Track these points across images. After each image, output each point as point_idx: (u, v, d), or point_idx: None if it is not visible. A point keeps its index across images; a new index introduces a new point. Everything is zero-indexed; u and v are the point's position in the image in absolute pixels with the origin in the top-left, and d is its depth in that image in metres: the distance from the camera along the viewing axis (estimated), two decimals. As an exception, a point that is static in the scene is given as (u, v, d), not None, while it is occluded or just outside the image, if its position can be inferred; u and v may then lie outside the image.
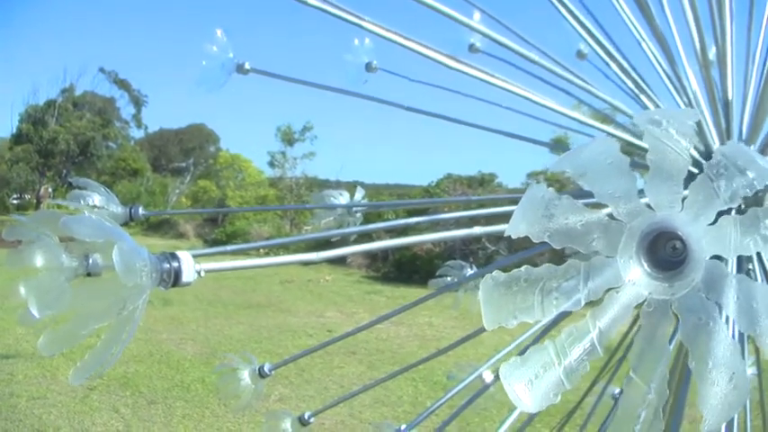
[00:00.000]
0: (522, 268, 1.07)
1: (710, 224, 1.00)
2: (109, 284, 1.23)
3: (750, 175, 0.98)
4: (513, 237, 1.04)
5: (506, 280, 1.05)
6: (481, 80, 3.16)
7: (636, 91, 3.29)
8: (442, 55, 3.34)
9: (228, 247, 2.29)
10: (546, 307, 1.04)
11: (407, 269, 24.15)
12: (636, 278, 1.02)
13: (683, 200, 1.03)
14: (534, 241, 1.05)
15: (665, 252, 1.04)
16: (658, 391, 1.05)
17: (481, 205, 3.08)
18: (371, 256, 27.13)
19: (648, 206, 1.03)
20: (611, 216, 1.05)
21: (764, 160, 1.00)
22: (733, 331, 1.11)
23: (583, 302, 1.05)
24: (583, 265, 1.05)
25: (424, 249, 23.97)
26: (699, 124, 3.07)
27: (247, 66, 2.98)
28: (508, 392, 1.02)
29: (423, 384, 10.50)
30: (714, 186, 0.99)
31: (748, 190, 0.99)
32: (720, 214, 1.03)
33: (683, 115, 1.03)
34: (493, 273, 1.06)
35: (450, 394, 3.09)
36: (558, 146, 4.04)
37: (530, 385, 1.02)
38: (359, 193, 3.76)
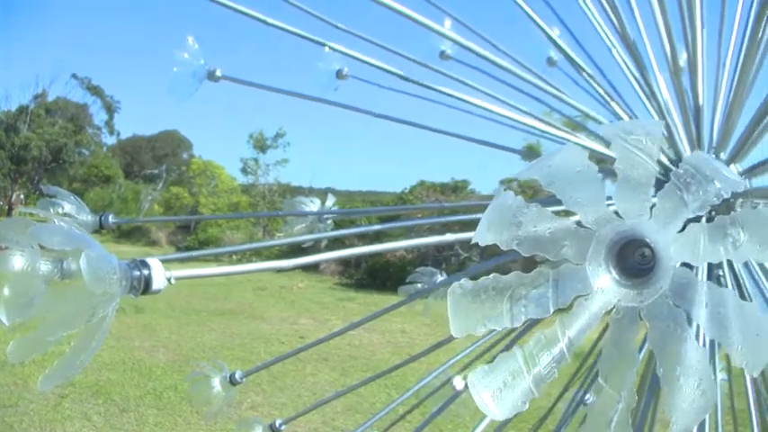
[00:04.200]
0: (490, 276, 1.07)
1: (679, 232, 1.01)
2: (77, 292, 1.22)
3: (717, 184, 0.99)
4: (481, 244, 1.04)
5: (474, 288, 1.05)
6: (444, 93, 3.18)
7: (606, 98, 3.31)
8: (415, 63, 3.36)
9: (196, 253, 2.28)
10: (515, 314, 1.04)
11: (380, 276, 24.18)
12: (604, 285, 1.02)
13: (652, 208, 1.04)
14: (503, 249, 1.05)
15: (634, 259, 1.04)
16: (627, 397, 1.06)
17: (454, 212, 3.09)
18: (344, 263, 27.14)
19: (617, 214, 1.03)
20: (579, 224, 1.05)
21: (729, 170, 1.01)
22: (702, 338, 1.12)
23: (551, 310, 1.05)
24: (551, 273, 1.05)
25: (397, 256, 23.99)
26: (669, 131, 3.09)
27: (219, 73, 2.97)
28: (476, 400, 1.02)
29: (395, 391, 10.41)
30: (682, 195, 1.00)
31: (715, 198, 1.00)
32: (691, 222, 1.04)
33: (650, 125, 1.03)
34: (461, 281, 1.06)
35: (399, 400, 3.11)
36: (531, 153, 4.07)
37: (498, 393, 1.02)
38: (330, 200, 3.77)
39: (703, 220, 1.13)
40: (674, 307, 1.00)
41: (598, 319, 1.05)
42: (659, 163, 2.80)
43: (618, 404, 1.06)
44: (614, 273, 1.03)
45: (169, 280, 1.41)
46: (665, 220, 1.01)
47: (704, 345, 2.35)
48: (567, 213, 1.11)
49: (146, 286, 1.37)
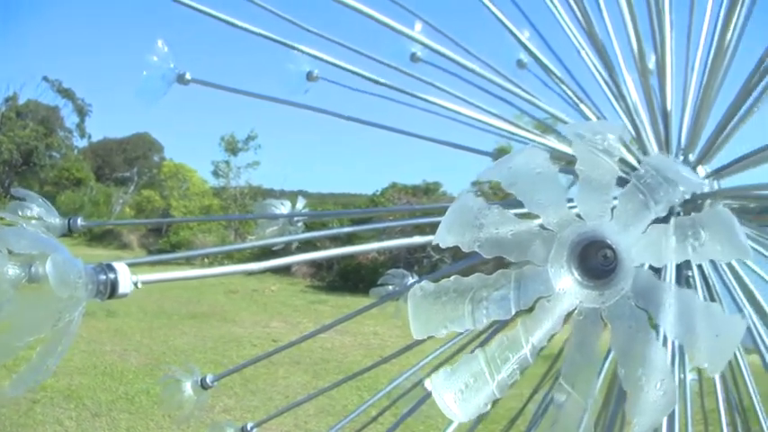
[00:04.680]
0: (452, 278, 1.07)
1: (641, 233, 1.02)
2: (43, 297, 1.21)
3: (677, 185, 1.00)
4: (442, 246, 1.04)
5: (435, 290, 1.05)
6: (413, 95, 3.18)
7: (575, 100, 3.32)
8: (386, 66, 3.36)
9: (166, 256, 2.27)
10: (476, 316, 1.04)
11: (352, 278, 24.13)
12: (566, 287, 1.03)
13: (614, 209, 1.04)
14: (464, 251, 1.05)
15: (597, 261, 1.05)
16: (591, 399, 1.06)
17: (425, 214, 3.09)
18: (316, 266, 27.11)
19: (579, 216, 1.04)
20: (542, 226, 1.05)
21: (689, 171, 1.02)
22: (665, 338, 1.12)
23: (513, 311, 1.06)
24: (513, 275, 1.06)
25: (369, 258, 23.97)
26: (638, 133, 3.10)
27: (188, 76, 2.96)
28: (438, 402, 1.02)
29: (368, 393, 10.31)
30: (643, 196, 1.01)
31: (676, 199, 1.01)
32: (655, 223, 1.05)
33: (611, 126, 1.04)
34: (422, 283, 1.06)
35: (370, 401, 3.11)
36: (501, 155, 4.07)
37: (460, 395, 1.02)
38: (300, 203, 3.75)
39: (672, 221, 1.14)
40: (635, 308, 1.01)
41: (560, 320, 1.05)
42: (627, 164, 2.82)
43: (583, 406, 1.06)
44: (576, 274, 1.03)
45: (136, 284, 1.41)
46: (627, 221, 1.01)
47: (674, 345, 2.36)
48: (533, 215, 1.11)
49: (112, 290, 1.36)
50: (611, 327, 1.03)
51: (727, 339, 0.99)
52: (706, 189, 3.06)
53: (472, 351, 1.10)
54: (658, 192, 1.01)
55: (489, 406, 1.03)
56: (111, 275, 1.36)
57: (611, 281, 1.01)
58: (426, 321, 1.07)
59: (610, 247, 1.02)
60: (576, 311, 1.05)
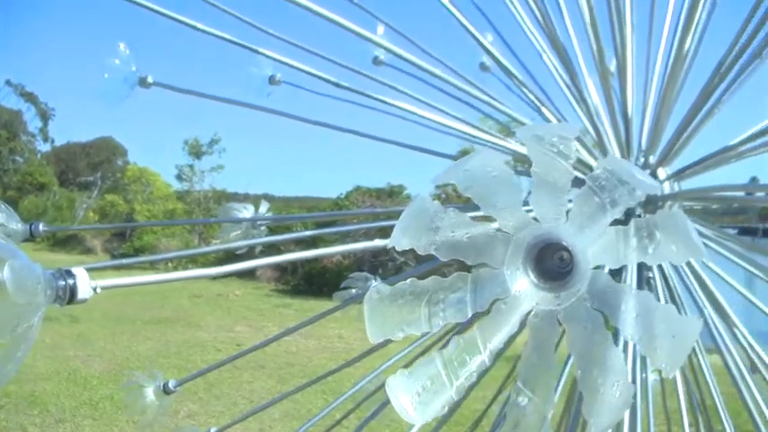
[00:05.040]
0: (408, 281, 1.07)
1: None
2: (1, 302, 1.20)
3: (632, 187, 1.00)
4: (398, 249, 1.04)
5: (392, 293, 1.05)
6: (375, 99, 3.19)
7: (537, 103, 3.34)
8: (348, 69, 3.36)
9: (128, 260, 2.26)
10: (433, 319, 1.05)
11: (317, 282, 24.12)
12: (522, 289, 1.03)
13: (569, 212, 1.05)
14: (421, 254, 1.05)
15: (553, 263, 1.05)
16: (546, 398, 1.07)
17: (389, 217, 3.09)
18: (281, 270, 27.08)
19: (535, 218, 1.04)
20: (498, 228, 1.05)
21: (641, 173, 1.02)
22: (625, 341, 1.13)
23: (470, 314, 1.06)
24: (470, 277, 1.06)
25: (334, 262, 23.97)
26: (599, 135, 3.12)
27: (150, 79, 2.95)
28: (394, 405, 1.02)
29: (332, 396, 10.17)
30: (597, 198, 1.01)
31: (631, 202, 1.01)
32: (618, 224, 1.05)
33: (564, 129, 1.04)
34: (377, 286, 1.06)
35: (334, 404, 3.11)
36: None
37: (416, 397, 1.02)
38: (263, 207, 3.75)
39: (632, 222, 1.14)
40: (591, 310, 1.01)
41: (516, 322, 1.06)
42: (588, 167, 2.84)
43: (536, 404, 1.07)
44: (532, 276, 1.03)
45: (95, 289, 1.39)
46: (581, 223, 1.02)
47: (635, 347, 2.38)
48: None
49: (71, 296, 1.35)
50: (567, 329, 1.03)
51: (683, 340, 1.00)
52: (667, 191, 3.09)
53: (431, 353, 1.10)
54: (614, 194, 1.01)
55: (447, 408, 1.03)
56: (70, 281, 1.35)
57: (567, 283, 1.01)
58: (382, 324, 1.06)
59: (566, 249, 1.02)
60: (532, 313, 1.05)
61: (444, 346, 1.08)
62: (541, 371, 1.07)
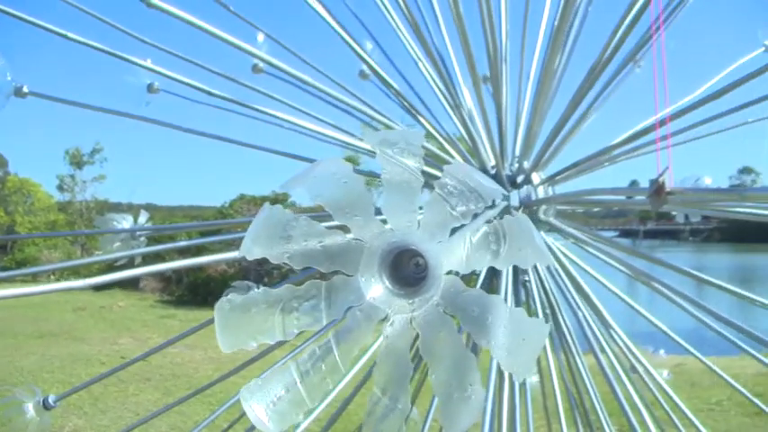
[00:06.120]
0: (261, 290, 1.07)
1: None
2: None
3: (478, 192, 1.02)
4: (249, 258, 1.04)
5: (244, 302, 1.05)
6: (250, 107, 3.18)
7: (413, 111, 3.37)
8: (224, 77, 3.34)
9: (4, 274, 2.21)
10: (287, 327, 1.05)
11: (202, 292, 23.94)
12: (377, 296, 1.03)
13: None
14: (273, 263, 1.05)
15: (410, 269, 1.06)
16: (401, 401, 1.08)
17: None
18: (165, 280, 26.81)
19: (387, 224, 1.05)
20: (353, 237, 1.06)
21: (486, 179, 1.04)
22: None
23: (324, 322, 1.06)
24: (324, 285, 1.06)
25: (218, 271, 23.84)
26: (474, 142, 3.17)
27: (26, 89, 2.89)
28: (248, 414, 1.02)
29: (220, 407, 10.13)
30: (446, 204, 1.02)
31: (478, 207, 1.03)
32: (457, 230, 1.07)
33: (412, 136, 1.05)
34: (229, 296, 1.06)
35: (218, 412, 3.08)
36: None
37: (271, 406, 1.02)
38: (143, 217, 3.71)
39: (483, 228, 1.16)
40: (444, 315, 1.02)
41: (371, 328, 1.06)
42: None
43: (391, 407, 1.08)
44: (387, 283, 1.04)
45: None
46: (432, 229, 1.03)
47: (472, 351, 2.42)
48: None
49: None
50: (421, 334, 1.04)
51: (532, 343, 1.02)
52: (542, 195, 3.15)
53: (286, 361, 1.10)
54: (461, 199, 1.03)
55: (302, 415, 1.03)
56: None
57: (421, 288, 1.02)
58: (235, 334, 1.06)
59: (422, 256, 1.03)
60: (387, 320, 1.06)
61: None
62: (396, 375, 1.08)
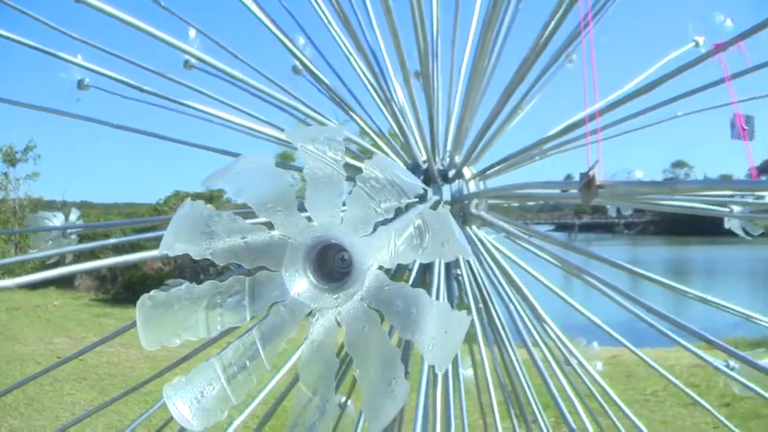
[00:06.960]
0: (183, 286, 1.07)
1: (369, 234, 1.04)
2: None
3: (399, 187, 1.03)
4: (171, 255, 1.03)
5: (166, 299, 1.04)
6: (179, 103, 3.16)
7: (345, 107, 3.38)
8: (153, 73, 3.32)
9: None
10: (210, 324, 1.04)
11: (138, 290, 23.44)
12: (301, 291, 1.03)
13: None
14: (196, 259, 1.05)
15: (335, 264, 1.06)
16: (326, 398, 1.08)
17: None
18: (100, 279, 26.53)
19: (311, 220, 1.05)
20: (278, 233, 1.05)
21: (406, 173, 1.04)
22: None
23: (248, 318, 1.06)
24: (247, 281, 1.06)
25: (154, 269, 23.66)
26: (405, 137, 3.18)
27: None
28: (172, 412, 1.01)
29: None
30: (368, 198, 1.03)
31: (399, 202, 1.04)
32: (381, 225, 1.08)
33: (332, 131, 1.06)
34: (151, 293, 1.05)
35: (152, 410, 3.07)
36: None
37: (195, 403, 1.01)
38: (74, 215, 3.67)
39: (406, 222, 1.16)
40: (368, 309, 1.03)
41: (295, 324, 1.06)
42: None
43: (316, 404, 1.08)
44: (312, 278, 1.04)
45: None
46: (356, 224, 1.03)
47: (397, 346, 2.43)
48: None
49: None
50: (345, 328, 1.05)
51: (453, 336, 1.03)
52: (473, 189, 3.17)
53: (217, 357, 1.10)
54: (382, 194, 1.03)
55: (225, 413, 1.03)
56: None
57: (346, 283, 1.02)
58: (158, 331, 1.06)
59: (347, 250, 1.03)
60: (312, 315, 1.06)
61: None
62: (322, 371, 1.08)
